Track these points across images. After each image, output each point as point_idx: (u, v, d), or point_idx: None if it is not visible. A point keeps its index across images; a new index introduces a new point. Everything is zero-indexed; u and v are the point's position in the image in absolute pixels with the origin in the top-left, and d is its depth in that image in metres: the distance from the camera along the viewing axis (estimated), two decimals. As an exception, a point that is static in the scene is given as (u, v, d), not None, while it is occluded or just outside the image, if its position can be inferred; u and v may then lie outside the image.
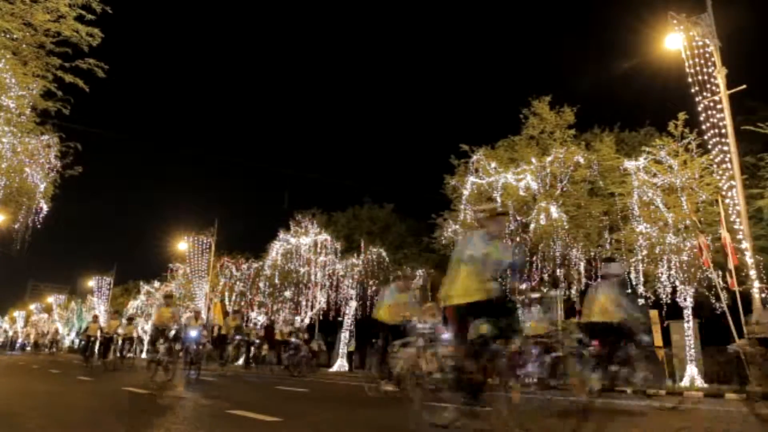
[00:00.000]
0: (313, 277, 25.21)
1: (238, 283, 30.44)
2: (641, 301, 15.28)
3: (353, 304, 24.34)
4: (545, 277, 17.48)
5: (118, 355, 17.73)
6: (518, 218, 17.74)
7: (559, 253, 17.15)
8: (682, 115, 14.80)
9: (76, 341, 51.29)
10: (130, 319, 20.21)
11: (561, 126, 18.56)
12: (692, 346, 14.43)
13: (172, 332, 11.33)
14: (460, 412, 4.61)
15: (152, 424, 5.50)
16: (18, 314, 70.58)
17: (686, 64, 12.53)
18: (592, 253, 17.35)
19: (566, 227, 16.96)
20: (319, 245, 25.39)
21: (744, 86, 12.23)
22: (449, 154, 19.28)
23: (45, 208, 17.19)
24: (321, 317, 26.03)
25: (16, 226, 17.20)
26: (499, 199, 17.51)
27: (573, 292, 17.36)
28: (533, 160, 17.59)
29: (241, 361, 19.67)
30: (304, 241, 25.76)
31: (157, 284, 41.48)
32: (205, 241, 30.51)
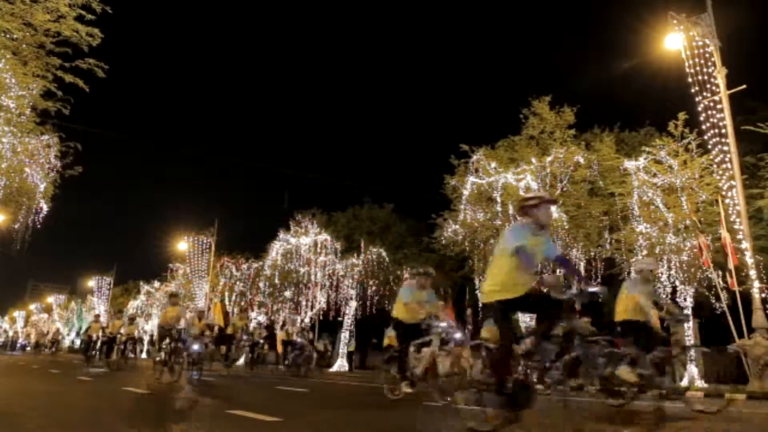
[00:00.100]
0: (313, 277, 25.24)
1: (238, 283, 30.46)
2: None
3: (353, 304, 24.36)
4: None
5: (121, 355, 17.72)
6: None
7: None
8: (682, 115, 14.81)
9: (77, 341, 51.32)
10: (132, 319, 20.19)
11: (561, 126, 18.58)
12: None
13: (180, 332, 11.19)
14: (501, 416, 4.24)
15: (152, 424, 5.50)
16: (18, 314, 70.63)
17: (686, 64, 12.54)
18: (592, 253, 17.36)
19: (566, 227, 16.97)
20: (319, 245, 25.42)
21: (744, 86, 12.25)
22: (449, 154, 19.31)
23: (45, 208, 17.22)
24: (321, 317, 26.07)
25: (16, 226, 17.25)
26: (499, 199, 17.53)
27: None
28: (533, 160, 17.60)
29: (242, 361, 19.66)
30: (304, 241, 25.79)
31: (157, 284, 41.57)
32: (205, 241, 30.52)
